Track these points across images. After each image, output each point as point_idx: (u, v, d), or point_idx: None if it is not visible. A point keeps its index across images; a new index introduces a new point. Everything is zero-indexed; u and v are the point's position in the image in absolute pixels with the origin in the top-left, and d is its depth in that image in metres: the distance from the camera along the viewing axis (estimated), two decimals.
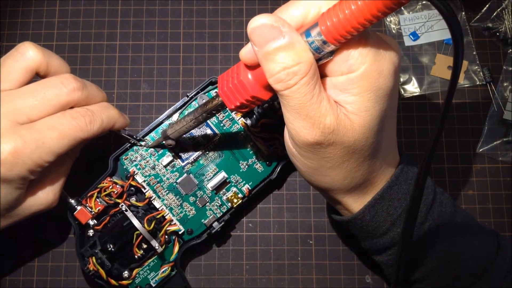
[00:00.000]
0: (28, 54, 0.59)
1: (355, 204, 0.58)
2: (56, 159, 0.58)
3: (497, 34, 0.80)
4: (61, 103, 0.59)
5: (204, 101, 0.70)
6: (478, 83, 0.79)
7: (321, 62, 0.48)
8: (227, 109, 0.63)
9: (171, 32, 0.82)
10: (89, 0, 0.83)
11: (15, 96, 0.57)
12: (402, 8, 0.81)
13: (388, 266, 0.62)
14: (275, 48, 0.46)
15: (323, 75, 0.49)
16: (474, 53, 0.80)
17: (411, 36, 0.80)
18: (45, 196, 0.63)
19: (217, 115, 0.72)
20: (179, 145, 0.71)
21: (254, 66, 0.51)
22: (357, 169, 0.54)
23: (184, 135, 0.69)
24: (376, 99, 0.48)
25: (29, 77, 0.60)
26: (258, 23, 0.46)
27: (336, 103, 0.49)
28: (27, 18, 0.82)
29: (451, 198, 0.61)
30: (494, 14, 0.80)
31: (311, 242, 0.76)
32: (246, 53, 0.50)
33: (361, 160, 0.53)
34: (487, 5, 0.81)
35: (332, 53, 0.47)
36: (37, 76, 0.62)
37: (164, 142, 0.67)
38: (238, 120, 0.72)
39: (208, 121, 0.70)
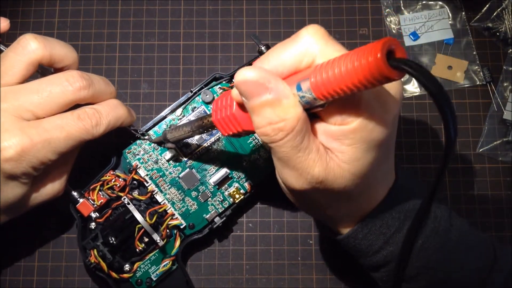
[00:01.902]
0: (29, 47, 0.59)
1: (347, 230, 0.58)
2: (59, 157, 0.59)
3: (497, 34, 0.80)
4: (67, 102, 0.59)
5: (207, 96, 0.70)
6: (478, 83, 0.80)
7: (313, 110, 0.46)
8: None
9: (171, 32, 0.82)
10: (89, 0, 0.83)
11: (19, 93, 0.57)
12: (402, 8, 0.82)
13: (383, 282, 0.61)
14: (261, 103, 0.45)
15: (316, 116, 0.48)
16: (474, 53, 0.80)
17: (411, 36, 0.81)
18: (52, 187, 0.64)
19: None
20: (182, 140, 0.71)
21: None
22: (347, 206, 0.54)
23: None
24: (368, 149, 0.47)
25: (32, 70, 0.59)
26: (244, 78, 0.45)
27: (327, 149, 0.48)
28: (27, 18, 0.82)
29: (447, 209, 0.59)
30: (494, 14, 0.81)
31: (311, 242, 0.76)
32: (237, 95, 0.49)
33: (351, 200, 0.52)
34: (487, 5, 0.81)
35: (325, 105, 0.45)
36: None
37: (164, 142, 0.68)
38: None
39: None
